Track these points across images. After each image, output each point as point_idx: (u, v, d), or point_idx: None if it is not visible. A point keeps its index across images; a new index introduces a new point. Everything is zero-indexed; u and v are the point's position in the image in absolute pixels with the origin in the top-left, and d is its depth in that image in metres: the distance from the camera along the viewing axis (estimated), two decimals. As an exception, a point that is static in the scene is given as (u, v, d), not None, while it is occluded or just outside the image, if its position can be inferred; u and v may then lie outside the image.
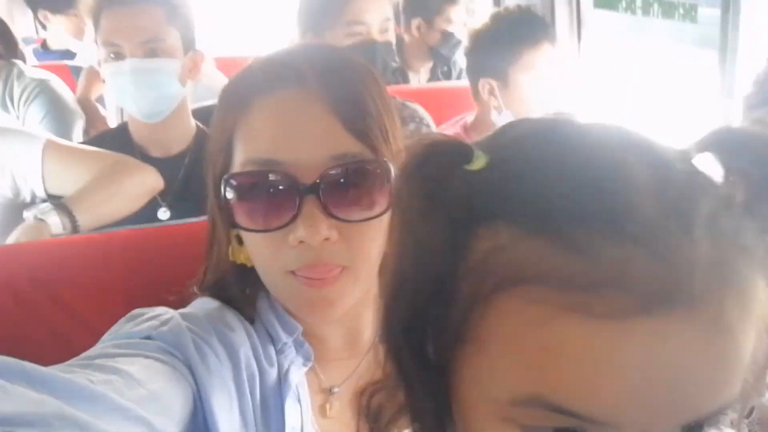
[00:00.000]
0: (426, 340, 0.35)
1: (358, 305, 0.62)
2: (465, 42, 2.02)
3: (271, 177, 0.57)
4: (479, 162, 0.34)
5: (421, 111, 1.41)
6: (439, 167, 0.33)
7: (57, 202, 1.04)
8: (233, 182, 0.59)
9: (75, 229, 1.02)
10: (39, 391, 0.41)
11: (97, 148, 1.15)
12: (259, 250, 0.60)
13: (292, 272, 0.58)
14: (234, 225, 0.61)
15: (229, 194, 0.59)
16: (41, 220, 0.99)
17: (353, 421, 0.65)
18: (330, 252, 0.57)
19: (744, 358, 0.30)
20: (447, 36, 2.06)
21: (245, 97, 0.59)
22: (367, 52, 1.25)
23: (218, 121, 0.62)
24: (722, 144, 0.32)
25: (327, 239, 0.57)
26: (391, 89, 1.46)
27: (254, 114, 0.59)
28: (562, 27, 1.62)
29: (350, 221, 0.57)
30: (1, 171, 1.08)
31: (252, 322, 0.63)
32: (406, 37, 2.14)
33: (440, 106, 1.55)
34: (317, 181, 0.56)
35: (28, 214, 1.02)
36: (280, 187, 0.57)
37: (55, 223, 0.99)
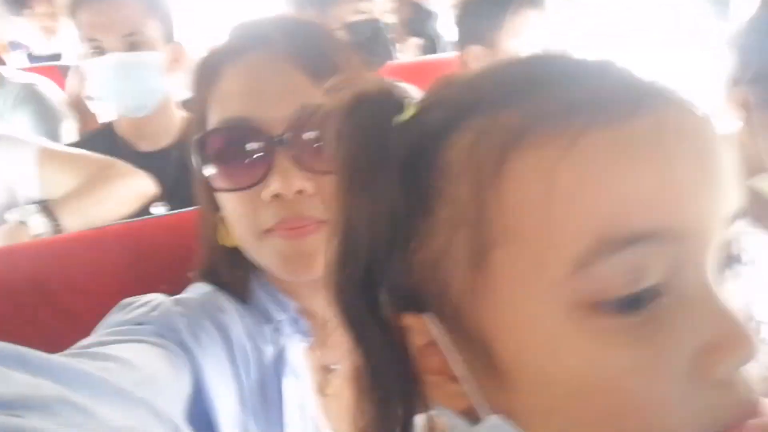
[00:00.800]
0: (378, 301, 0.34)
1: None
2: (441, 13, 2.04)
3: (239, 133, 0.57)
4: (410, 110, 0.34)
5: (413, 91, 1.39)
6: (372, 121, 0.33)
7: (41, 204, 1.03)
8: (204, 145, 0.59)
9: (57, 230, 1.01)
10: (37, 376, 0.40)
11: (91, 153, 1.14)
12: (235, 212, 0.60)
13: (269, 231, 0.58)
14: (213, 193, 0.61)
15: (203, 158, 0.59)
16: (22, 222, 0.98)
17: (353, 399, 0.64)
18: (305, 206, 0.57)
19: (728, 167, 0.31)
20: (416, 8, 2.06)
21: (215, 66, 0.60)
22: (373, 29, 1.28)
23: (192, 96, 0.63)
24: None
25: (301, 191, 0.56)
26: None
27: (223, 80, 0.59)
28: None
29: (324, 172, 0.56)
30: None
31: (245, 303, 0.63)
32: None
33: (431, 80, 1.52)
34: (285, 132, 0.56)
35: (10, 217, 1.01)
36: (250, 143, 0.57)
37: (36, 224, 0.99)
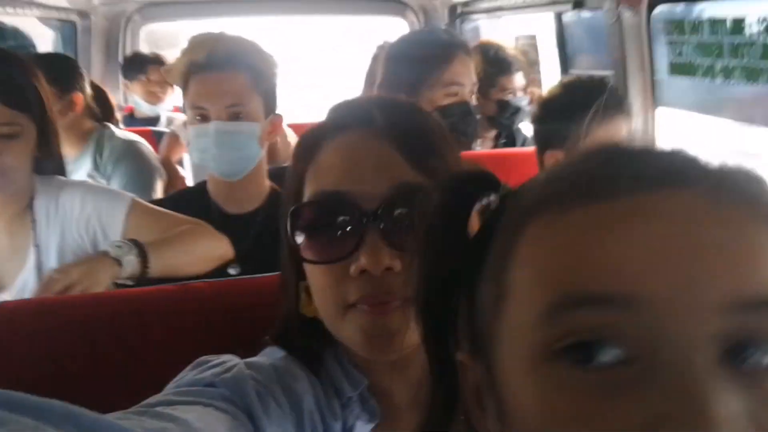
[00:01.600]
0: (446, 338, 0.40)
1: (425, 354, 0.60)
2: (525, 109, 2.04)
3: (333, 206, 0.58)
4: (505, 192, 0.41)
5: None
6: (466, 194, 0.40)
7: (136, 242, 1.08)
8: (298, 215, 0.61)
9: (144, 272, 1.05)
10: None
11: (178, 214, 1.20)
12: (321, 284, 0.60)
13: (353, 305, 0.58)
14: (300, 262, 0.61)
15: (295, 228, 0.60)
16: (116, 259, 1.03)
17: None
18: (392, 283, 0.57)
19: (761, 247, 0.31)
20: (503, 105, 2.06)
21: (316, 142, 0.62)
22: (464, 110, 1.33)
23: (291, 169, 0.64)
24: None
25: (389, 269, 0.56)
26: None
27: (322, 154, 0.61)
28: (636, 96, 1.60)
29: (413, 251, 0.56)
30: (86, 225, 1.15)
31: (318, 374, 0.62)
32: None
33: (506, 171, 1.52)
34: (378, 209, 0.57)
35: (107, 249, 1.06)
36: (342, 217, 0.58)
37: (129, 262, 1.03)
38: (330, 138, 0.61)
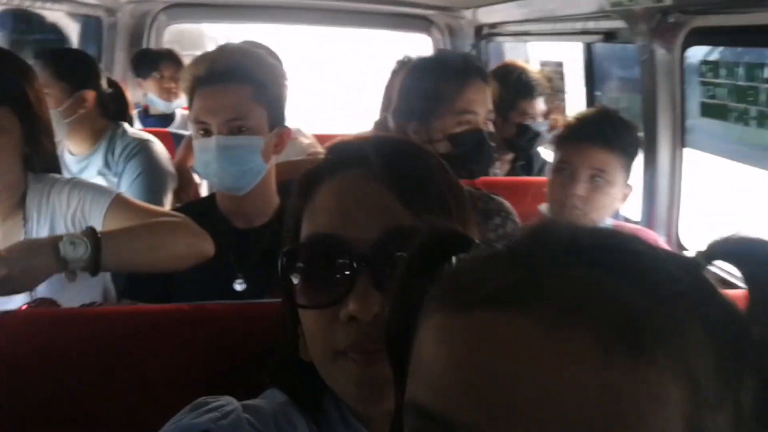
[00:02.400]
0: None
1: None
2: (545, 134, 2.01)
3: (326, 250, 0.57)
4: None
5: (507, 205, 1.37)
6: (431, 252, 0.38)
7: (92, 235, 0.98)
8: (291, 257, 0.59)
9: (95, 269, 0.97)
10: None
11: (160, 208, 1.15)
12: (311, 329, 0.58)
13: (343, 353, 0.55)
14: (294, 306, 0.59)
15: (288, 270, 0.59)
16: (63, 259, 0.94)
17: None
18: (383, 330, 0.53)
19: (596, 387, 0.28)
20: (523, 129, 2.02)
21: (313, 182, 0.61)
22: (477, 139, 1.29)
23: (290, 207, 0.63)
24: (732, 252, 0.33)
25: (379, 315, 0.54)
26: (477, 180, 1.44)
27: (319, 196, 0.60)
28: (663, 136, 1.55)
29: None
30: (72, 219, 1.14)
31: (317, 423, 0.60)
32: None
33: (524, 199, 1.50)
34: (369, 253, 0.55)
35: (59, 242, 0.96)
36: (334, 261, 0.56)
37: (76, 260, 0.95)
38: (326, 178, 0.60)
